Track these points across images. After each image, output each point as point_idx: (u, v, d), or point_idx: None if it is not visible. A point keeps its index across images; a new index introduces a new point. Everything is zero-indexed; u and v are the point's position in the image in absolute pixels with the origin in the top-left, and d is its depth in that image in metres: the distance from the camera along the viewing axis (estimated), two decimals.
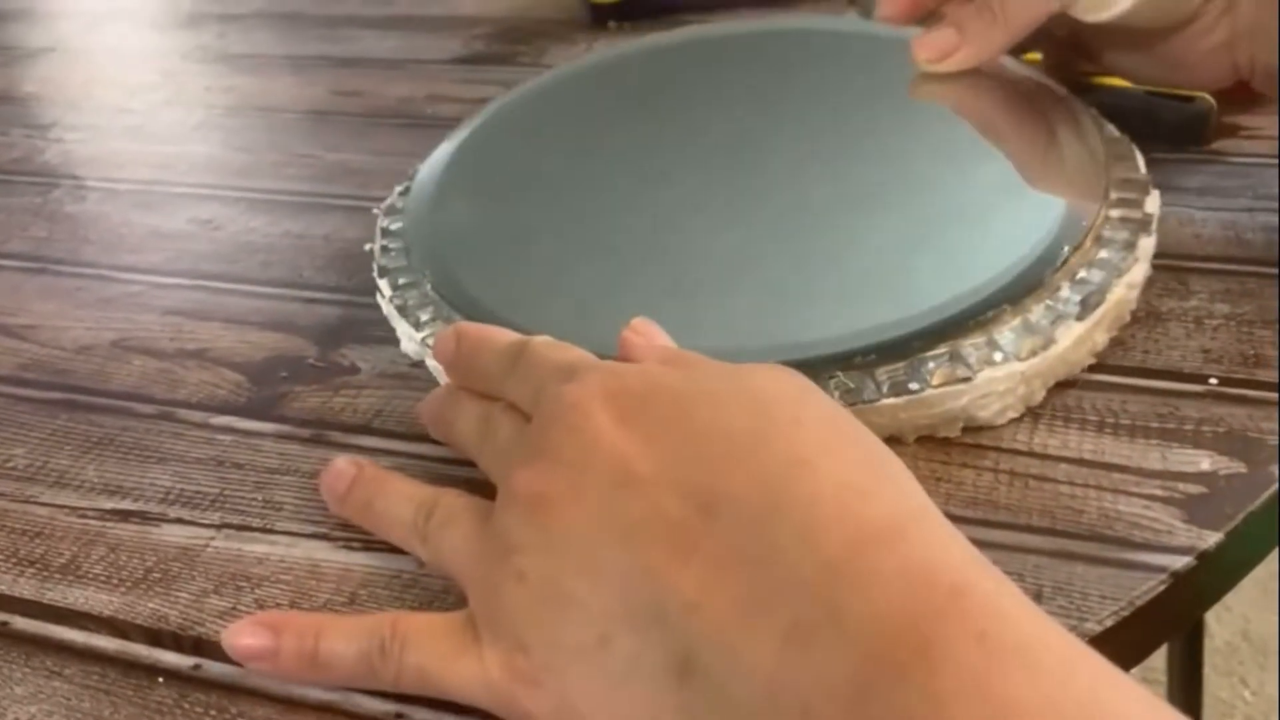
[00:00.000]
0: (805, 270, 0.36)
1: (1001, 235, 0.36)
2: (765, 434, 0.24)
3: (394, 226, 0.43)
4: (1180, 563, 0.28)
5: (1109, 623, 0.27)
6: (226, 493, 0.34)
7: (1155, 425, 0.33)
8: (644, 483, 0.24)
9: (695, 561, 0.23)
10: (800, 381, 0.26)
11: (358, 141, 0.56)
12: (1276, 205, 0.42)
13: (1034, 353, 0.32)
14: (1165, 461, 0.31)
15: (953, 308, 0.33)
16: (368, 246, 0.43)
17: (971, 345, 0.32)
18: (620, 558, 0.24)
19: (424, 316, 0.38)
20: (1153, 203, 0.38)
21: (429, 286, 0.38)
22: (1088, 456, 0.32)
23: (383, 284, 0.40)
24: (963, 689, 0.19)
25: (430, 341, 0.36)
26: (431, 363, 0.37)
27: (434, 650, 0.26)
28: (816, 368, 0.31)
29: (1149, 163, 0.41)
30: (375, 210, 0.44)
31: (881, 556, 0.22)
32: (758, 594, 0.22)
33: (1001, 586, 0.22)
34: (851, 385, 0.32)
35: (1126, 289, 0.35)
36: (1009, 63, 0.46)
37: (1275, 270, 0.39)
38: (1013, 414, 0.33)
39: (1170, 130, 0.46)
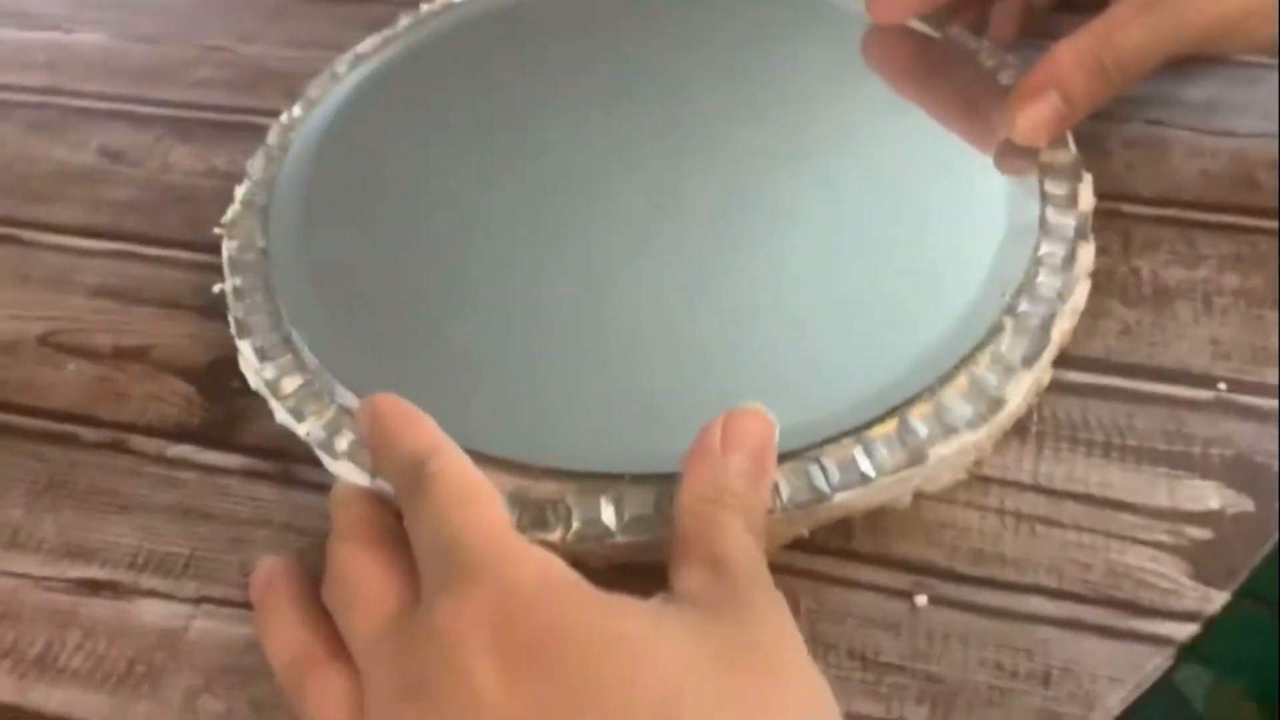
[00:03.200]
0: (712, 341, 0.33)
1: (937, 280, 0.33)
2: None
3: (247, 257, 0.37)
4: (1186, 632, 0.28)
5: (1116, 710, 0.27)
6: (199, 554, 0.32)
7: (1163, 447, 0.32)
8: None
9: None
10: (717, 635, 0.23)
11: (273, 25, 0.50)
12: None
13: (984, 419, 0.31)
14: (1172, 497, 0.31)
15: (898, 373, 0.31)
16: (217, 288, 0.37)
17: (920, 417, 0.30)
18: None
19: (310, 407, 0.33)
20: (1086, 195, 0.35)
21: (306, 351, 0.34)
22: (1095, 491, 0.31)
23: (244, 347, 0.35)
24: None
25: (312, 436, 0.32)
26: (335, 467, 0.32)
27: None
28: None
29: None
30: (217, 230, 0.38)
31: None
32: None
33: None
34: (798, 481, 0.30)
35: (1071, 317, 0.33)
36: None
37: None
38: (960, 479, 0.32)
39: None
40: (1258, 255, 0.36)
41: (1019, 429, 0.33)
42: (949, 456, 0.31)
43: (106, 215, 0.42)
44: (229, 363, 0.37)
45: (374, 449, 0.29)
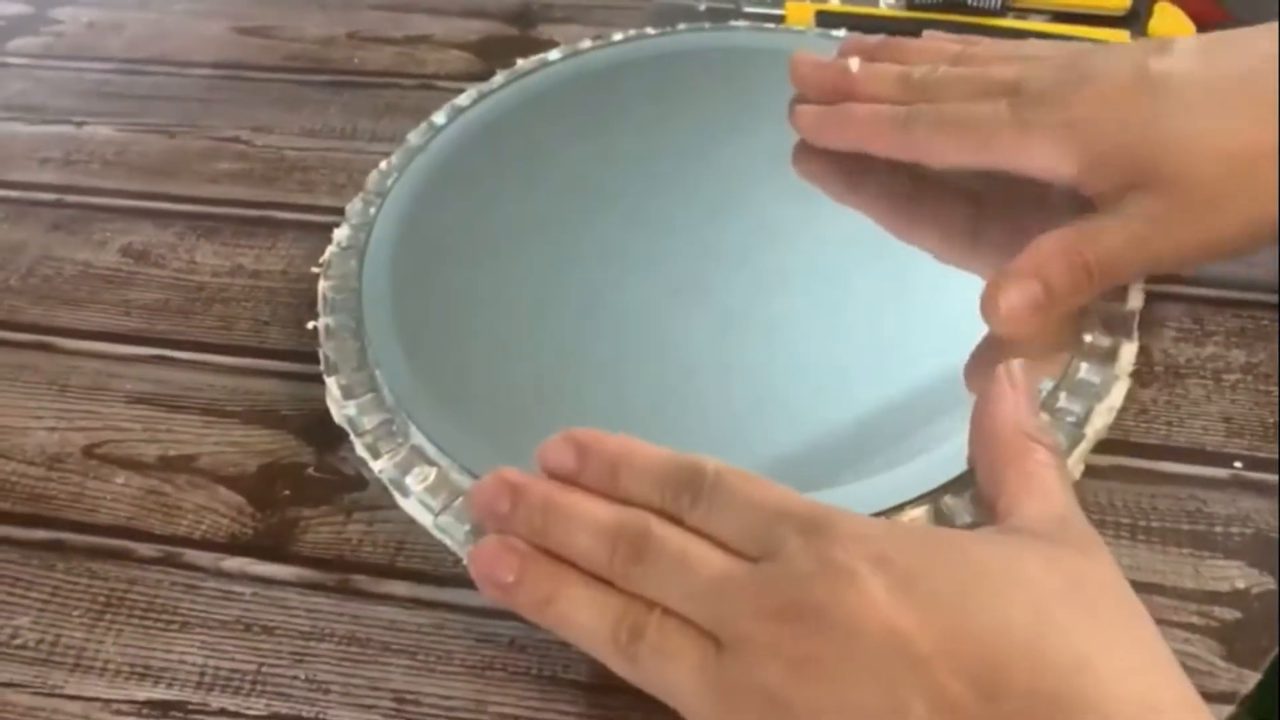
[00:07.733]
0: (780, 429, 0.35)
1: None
2: (1045, 629, 0.24)
3: (341, 297, 0.39)
4: (1224, 714, 0.30)
5: None
6: (264, 669, 0.33)
7: (1185, 528, 0.33)
8: (923, 661, 0.24)
9: None
10: (1070, 564, 0.26)
11: (286, 114, 0.51)
12: None
13: None
14: (1198, 578, 0.32)
15: (936, 461, 0.33)
16: (310, 325, 0.39)
17: (955, 500, 0.32)
18: None
19: (385, 445, 0.35)
20: (1136, 295, 0.37)
21: (415, 435, 0.35)
22: (1127, 575, 0.32)
23: (331, 384, 0.37)
24: None
25: (385, 474, 0.35)
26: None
27: None
28: None
29: None
30: (314, 269, 0.41)
31: None
32: None
33: None
34: None
35: (1107, 414, 0.34)
36: None
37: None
38: None
39: None
40: (1261, 330, 0.38)
41: None
42: None
43: (137, 319, 0.43)
44: (276, 469, 0.37)
45: (602, 466, 0.30)
